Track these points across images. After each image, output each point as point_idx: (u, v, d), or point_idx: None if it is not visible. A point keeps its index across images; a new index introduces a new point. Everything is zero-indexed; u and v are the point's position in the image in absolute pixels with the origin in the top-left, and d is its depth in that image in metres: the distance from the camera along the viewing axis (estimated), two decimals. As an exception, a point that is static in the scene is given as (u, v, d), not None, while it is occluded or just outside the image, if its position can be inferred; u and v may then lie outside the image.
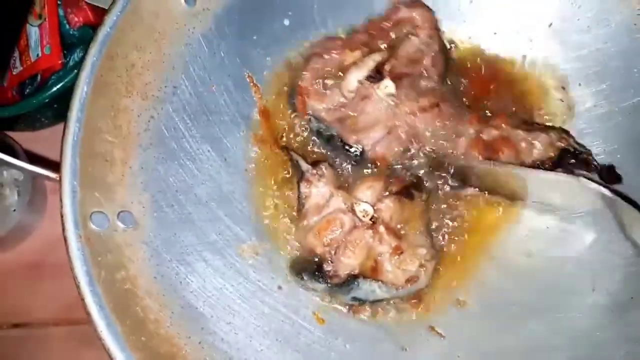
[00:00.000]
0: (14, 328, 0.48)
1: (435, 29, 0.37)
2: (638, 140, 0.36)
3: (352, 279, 0.32)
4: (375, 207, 0.32)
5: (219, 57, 0.36)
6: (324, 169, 0.33)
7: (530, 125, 0.36)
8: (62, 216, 0.28)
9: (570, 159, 0.35)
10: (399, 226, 0.33)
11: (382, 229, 0.31)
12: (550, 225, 0.35)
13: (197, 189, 0.34)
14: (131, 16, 0.32)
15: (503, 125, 0.35)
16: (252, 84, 0.36)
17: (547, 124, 0.37)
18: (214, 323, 0.30)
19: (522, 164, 0.34)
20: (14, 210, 0.47)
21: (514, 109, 0.38)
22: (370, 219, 0.32)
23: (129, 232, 0.30)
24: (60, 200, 0.28)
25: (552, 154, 0.34)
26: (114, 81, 0.31)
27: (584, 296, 0.33)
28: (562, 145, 0.34)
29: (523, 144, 0.35)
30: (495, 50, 0.40)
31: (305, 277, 0.32)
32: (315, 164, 0.34)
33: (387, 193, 0.32)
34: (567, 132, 0.36)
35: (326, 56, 0.37)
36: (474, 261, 0.34)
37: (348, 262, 0.31)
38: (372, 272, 0.32)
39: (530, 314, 0.33)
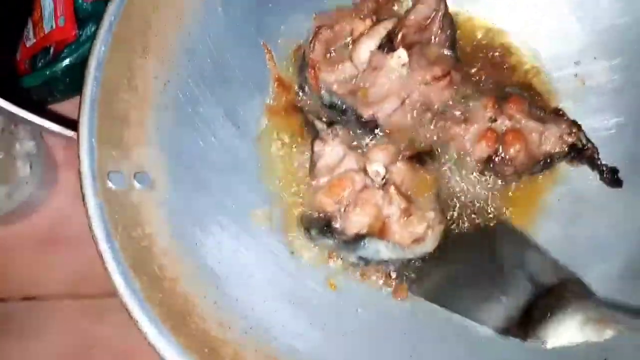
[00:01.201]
0: (23, 301, 0.48)
1: (441, -6, 0.37)
2: (651, 115, 0.36)
3: (359, 238, 0.32)
4: (387, 169, 0.32)
5: (234, 25, 0.36)
6: (338, 130, 0.33)
7: (543, 112, 0.36)
8: (79, 173, 0.28)
9: (575, 152, 0.35)
10: (409, 192, 0.33)
11: (392, 190, 0.32)
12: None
13: (211, 154, 0.34)
14: (149, -22, 0.32)
15: (517, 115, 0.35)
16: (266, 50, 0.36)
17: (556, 111, 0.37)
18: (229, 284, 0.31)
19: (530, 160, 0.34)
20: (27, 183, 0.47)
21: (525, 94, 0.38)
22: (382, 179, 0.32)
23: (145, 192, 0.30)
24: (78, 157, 0.28)
25: (560, 149, 0.35)
26: (131, 41, 0.32)
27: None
28: (572, 140, 0.35)
29: (534, 135, 0.34)
30: (509, 24, 0.40)
31: (313, 232, 0.32)
32: (330, 124, 0.34)
33: (400, 157, 0.33)
34: (578, 126, 0.36)
35: (335, 27, 0.37)
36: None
37: (357, 220, 0.31)
38: (379, 232, 0.32)
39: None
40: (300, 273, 0.33)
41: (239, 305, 0.30)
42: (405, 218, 0.32)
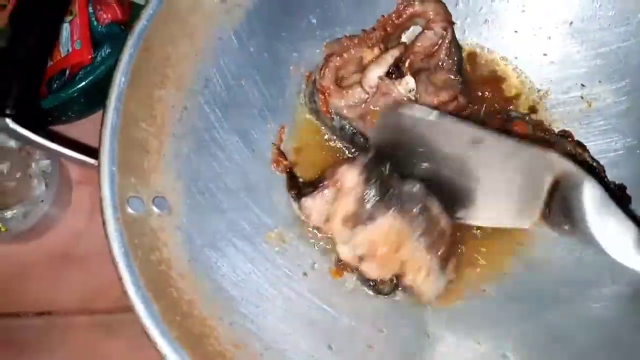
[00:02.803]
0: (38, 316, 0.49)
1: (449, 22, 0.38)
2: (658, 136, 0.37)
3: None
4: None
5: (248, 52, 0.37)
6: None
7: (547, 133, 0.37)
8: (100, 200, 0.29)
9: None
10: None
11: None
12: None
13: (226, 178, 0.35)
14: (167, 10, 0.33)
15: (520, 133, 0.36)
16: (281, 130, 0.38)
17: (563, 132, 0.38)
18: (244, 306, 0.31)
19: None
20: (42, 201, 0.48)
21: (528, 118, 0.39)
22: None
23: (163, 217, 0.31)
24: (99, 184, 0.29)
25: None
26: (150, 72, 0.33)
27: (602, 287, 0.33)
28: (578, 159, 0.35)
29: None
30: (515, 50, 0.41)
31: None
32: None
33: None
34: (582, 145, 0.36)
35: (345, 55, 0.38)
36: (496, 253, 0.35)
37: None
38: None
39: (548, 304, 0.34)
40: (312, 294, 0.34)
41: (254, 327, 0.31)
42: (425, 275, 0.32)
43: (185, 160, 0.33)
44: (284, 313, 0.32)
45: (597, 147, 0.38)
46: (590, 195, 0.29)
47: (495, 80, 0.40)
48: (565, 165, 0.31)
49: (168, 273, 0.29)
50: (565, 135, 0.38)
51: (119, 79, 0.31)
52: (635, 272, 0.31)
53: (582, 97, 0.39)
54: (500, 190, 0.33)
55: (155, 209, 0.31)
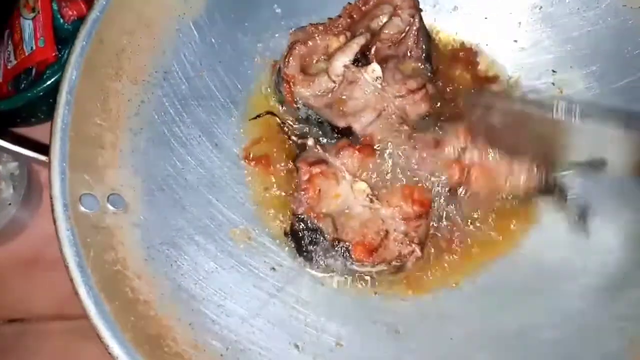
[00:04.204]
0: (10, 323, 0.47)
1: (416, 8, 0.37)
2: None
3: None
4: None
5: (209, 43, 0.36)
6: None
7: (516, 150, 0.35)
8: (51, 198, 0.28)
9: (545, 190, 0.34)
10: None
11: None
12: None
13: (187, 174, 0.34)
14: (121, 1, 0.32)
15: (487, 148, 0.34)
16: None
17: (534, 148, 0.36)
18: (205, 305, 0.30)
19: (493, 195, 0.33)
20: (9, 204, 0.46)
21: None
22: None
23: (119, 215, 0.30)
24: (50, 182, 0.28)
25: (531, 188, 0.34)
26: (104, 65, 0.32)
27: (573, 279, 0.33)
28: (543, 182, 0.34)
29: (502, 168, 0.34)
30: (485, 37, 0.40)
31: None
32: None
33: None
34: (551, 164, 0.35)
35: (310, 42, 0.37)
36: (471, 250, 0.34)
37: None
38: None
39: (522, 296, 0.33)
40: (280, 292, 0.33)
41: (215, 327, 0.30)
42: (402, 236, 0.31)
43: (143, 155, 0.32)
44: (248, 311, 0.31)
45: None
46: None
47: (466, 67, 0.40)
48: None
49: (123, 272, 0.28)
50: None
51: (71, 73, 0.30)
52: (605, 263, 0.30)
53: (553, 84, 0.38)
54: None
55: (110, 207, 0.30)
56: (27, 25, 0.47)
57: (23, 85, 0.48)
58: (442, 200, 0.34)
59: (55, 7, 0.47)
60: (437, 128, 0.34)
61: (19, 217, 0.47)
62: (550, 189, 0.34)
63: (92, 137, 0.30)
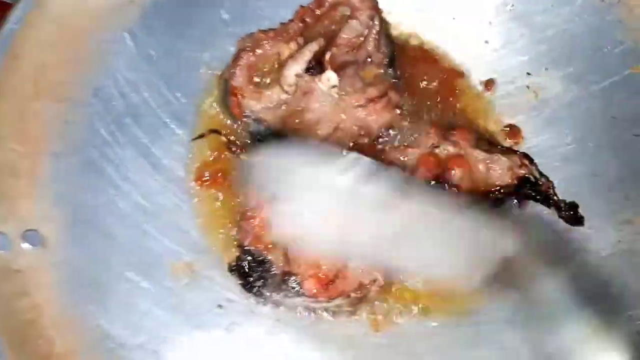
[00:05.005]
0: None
1: (376, 9, 0.34)
2: (611, 127, 0.33)
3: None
4: None
5: (147, 55, 0.32)
6: None
7: (492, 145, 0.33)
8: (-49, 238, 0.24)
9: (529, 188, 0.32)
10: None
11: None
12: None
13: (120, 201, 0.30)
14: (40, 12, 0.29)
15: (462, 142, 0.32)
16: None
17: (510, 146, 0.34)
18: (138, 353, 0.26)
19: (477, 188, 0.31)
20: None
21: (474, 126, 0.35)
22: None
23: (35, 254, 0.26)
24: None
25: (510, 181, 0.32)
26: (20, 83, 0.28)
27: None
28: (523, 173, 0.32)
29: (481, 166, 0.32)
30: (454, 38, 0.37)
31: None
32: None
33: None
34: (529, 158, 0.33)
35: (258, 50, 0.33)
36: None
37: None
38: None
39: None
40: (228, 332, 0.29)
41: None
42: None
43: (66, 183, 0.28)
44: (189, 356, 0.28)
45: (547, 142, 0.34)
46: None
47: (435, 72, 0.36)
48: None
49: (37, 322, 0.24)
50: (511, 148, 0.34)
51: (-22, 93, 0.26)
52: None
53: (528, 87, 0.35)
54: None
55: (24, 245, 0.26)
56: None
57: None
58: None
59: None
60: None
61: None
62: (534, 184, 0.32)
63: (5, 165, 0.27)
